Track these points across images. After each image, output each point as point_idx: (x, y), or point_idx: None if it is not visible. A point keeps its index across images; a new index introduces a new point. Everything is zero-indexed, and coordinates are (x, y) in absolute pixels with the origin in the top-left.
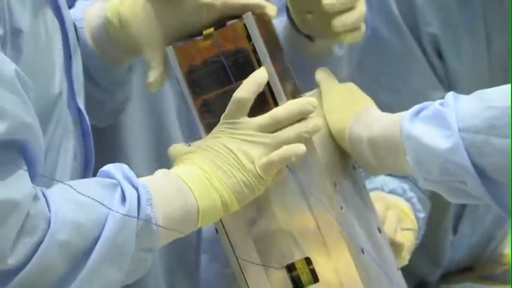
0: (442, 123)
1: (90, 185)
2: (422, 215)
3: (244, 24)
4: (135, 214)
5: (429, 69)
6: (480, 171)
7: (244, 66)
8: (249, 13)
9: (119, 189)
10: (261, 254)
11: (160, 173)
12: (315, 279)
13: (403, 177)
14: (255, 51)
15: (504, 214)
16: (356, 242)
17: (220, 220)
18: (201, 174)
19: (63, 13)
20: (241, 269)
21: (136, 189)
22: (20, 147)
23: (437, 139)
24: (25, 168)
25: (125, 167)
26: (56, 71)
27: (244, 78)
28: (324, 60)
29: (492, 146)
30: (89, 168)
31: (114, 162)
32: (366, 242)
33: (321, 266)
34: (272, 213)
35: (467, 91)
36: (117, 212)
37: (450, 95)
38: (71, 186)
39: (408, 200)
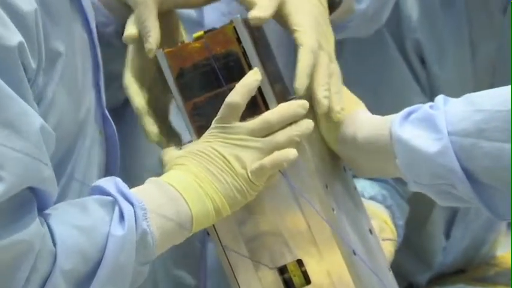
0: (431, 127)
1: (89, 205)
2: (401, 222)
3: (234, 27)
4: (134, 231)
5: (410, 75)
6: (469, 174)
7: (235, 69)
8: (239, 16)
9: (116, 208)
10: (253, 256)
11: (152, 182)
12: (307, 281)
13: (384, 181)
14: (245, 54)
15: (493, 217)
16: (347, 244)
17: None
18: (193, 181)
19: (91, 25)
20: (233, 271)
21: (132, 204)
22: (33, 193)
23: (427, 142)
24: (35, 209)
25: (118, 180)
26: (87, 88)
27: (234, 81)
28: (349, 19)
29: (481, 150)
30: (112, 175)
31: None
32: (357, 243)
33: (313, 268)
34: (263, 216)
35: (450, 96)
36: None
37: (440, 98)
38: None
39: (388, 207)
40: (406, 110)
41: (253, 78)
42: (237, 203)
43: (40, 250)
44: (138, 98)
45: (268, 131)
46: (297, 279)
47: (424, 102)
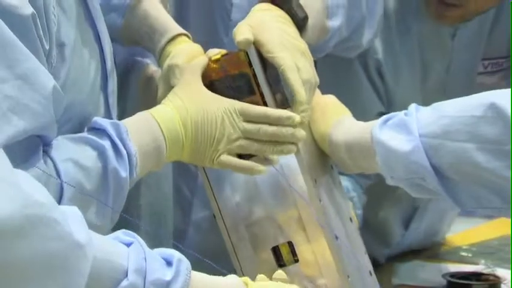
0: (405, 130)
1: (87, 149)
2: (360, 211)
3: (247, 52)
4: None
5: (371, 89)
6: (437, 169)
7: (245, 86)
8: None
9: (108, 142)
10: (252, 237)
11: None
12: (296, 260)
13: (347, 176)
14: (254, 75)
15: (456, 206)
16: (330, 230)
17: (219, 209)
18: (178, 125)
19: (101, 36)
20: (234, 249)
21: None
22: (41, 138)
23: (402, 143)
24: (41, 151)
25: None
26: (94, 86)
27: (245, 96)
28: (326, 39)
29: (446, 149)
30: None
31: None
32: (340, 229)
33: (301, 249)
34: (262, 204)
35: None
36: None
37: (413, 106)
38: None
39: (350, 199)
40: (385, 116)
41: (286, 115)
42: (195, 161)
43: (48, 183)
44: None
45: (256, 136)
46: (287, 257)
47: (382, 111)
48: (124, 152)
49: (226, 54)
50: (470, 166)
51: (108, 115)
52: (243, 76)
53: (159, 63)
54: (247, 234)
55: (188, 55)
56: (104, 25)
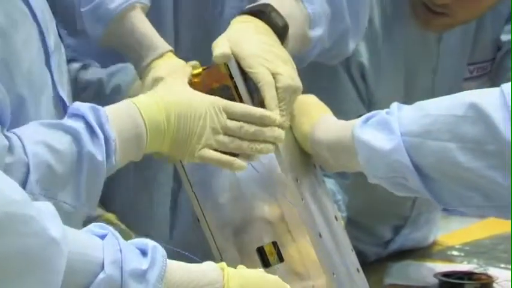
0: (387, 129)
1: (60, 133)
2: (344, 214)
3: (227, 65)
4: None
5: (354, 91)
6: (418, 169)
7: (228, 98)
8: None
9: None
10: (237, 239)
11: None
12: (281, 259)
13: (330, 179)
14: (235, 86)
15: (439, 205)
16: (313, 228)
17: (202, 212)
18: (162, 120)
19: (38, 14)
20: (219, 252)
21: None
22: None
23: (383, 142)
24: None
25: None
26: (35, 64)
27: None
28: (309, 48)
29: (428, 148)
30: None
31: None
32: (324, 227)
33: (286, 248)
34: (246, 205)
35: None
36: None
37: (395, 105)
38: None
39: (336, 202)
40: (366, 115)
41: (268, 114)
42: (175, 153)
43: (10, 162)
44: None
45: (237, 134)
46: (272, 258)
47: (362, 112)
48: (101, 135)
49: (207, 68)
50: (451, 165)
51: (55, 91)
52: (224, 88)
53: (142, 76)
54: (232, 236)
55: (171, 69)
56: (42, 3)
